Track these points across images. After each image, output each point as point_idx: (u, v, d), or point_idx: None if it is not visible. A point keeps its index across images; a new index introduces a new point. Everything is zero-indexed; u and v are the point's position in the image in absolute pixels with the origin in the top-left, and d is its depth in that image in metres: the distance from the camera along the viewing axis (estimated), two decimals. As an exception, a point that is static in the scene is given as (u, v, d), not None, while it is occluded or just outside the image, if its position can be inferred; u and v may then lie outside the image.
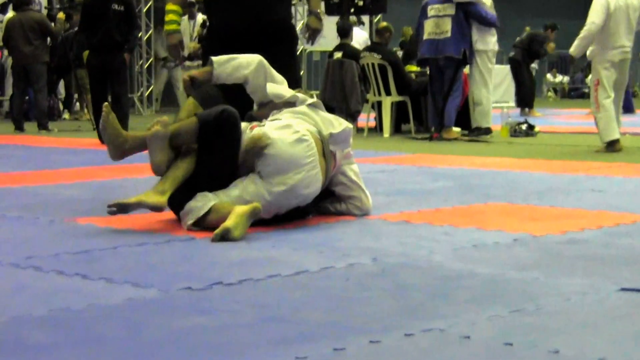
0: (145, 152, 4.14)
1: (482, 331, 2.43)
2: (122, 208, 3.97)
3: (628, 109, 13.52)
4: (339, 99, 10.60)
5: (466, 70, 10.17)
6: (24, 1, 11.62)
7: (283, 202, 4.08)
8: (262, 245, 3.67)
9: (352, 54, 10.98)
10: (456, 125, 10.07)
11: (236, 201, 3.97)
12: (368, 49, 11.03)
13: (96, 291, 2.90)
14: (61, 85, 14.90)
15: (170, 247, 3.66)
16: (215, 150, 4.06)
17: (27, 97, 12.64)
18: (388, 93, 10.63)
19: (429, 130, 10.22)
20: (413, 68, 11.60)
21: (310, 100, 4.42)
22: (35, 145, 9.39)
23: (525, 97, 15.11)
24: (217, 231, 3.72)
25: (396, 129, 11.17)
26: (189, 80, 4.41)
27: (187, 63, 12.38)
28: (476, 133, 9.95)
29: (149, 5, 17.02)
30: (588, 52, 8.42)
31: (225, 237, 3.70)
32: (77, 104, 15.29)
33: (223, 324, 2.51)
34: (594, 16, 8.19)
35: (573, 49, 8.50)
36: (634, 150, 8.32)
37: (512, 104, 16.12)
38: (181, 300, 2.78)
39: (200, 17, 13.65)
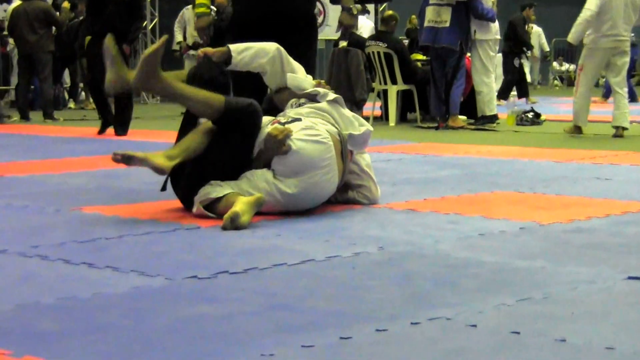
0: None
1: (488, 320, 2.43)
2: (127, 159, 3.94)
3: (632, 97, 13.42)
4: (345, 87, 10.56)
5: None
6: (29, -9, 11.60)
7: (293, 203, 4.07)
8: (267, 234, 3.66)
9: (357, 42, 10.95)
10: (462, 114, 10.04)
11: (245, 195, 3.96)
12: (373, 37, 11.00)
13: (102, 280, 2.90)
14: (66, 75, 14.89)
15: (176, 236, 3.66)
16: (230, 140, 4.06)
17: (32, 87, 12.62)
18: (394, 81, 10.60)
19: (435, 119, 10.19)
20: (419, 56, 11.55)
21: (331, 96, 4.40)
22: (41, 135, 9.38)
23: (508, 88, 14.70)
24: (226, 215, 3.72)
25: (402, 118, 11.14)
26: (203, 56, 4.42)
27: (192, 52, 12.34)
28: (482, 121, 9.92)
29: (154, -6, 17.00)
30: (584, 38, 8.48)
31: (234, 220, 3.70)
32: (83, 93, 15.29)
33: (229, 312, 2.51)
34: (590, 3, 8.40)
35: (570, 36, 8.65)
36: (640, 139, 8.31)
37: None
38: (187, 289, 2.78)
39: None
